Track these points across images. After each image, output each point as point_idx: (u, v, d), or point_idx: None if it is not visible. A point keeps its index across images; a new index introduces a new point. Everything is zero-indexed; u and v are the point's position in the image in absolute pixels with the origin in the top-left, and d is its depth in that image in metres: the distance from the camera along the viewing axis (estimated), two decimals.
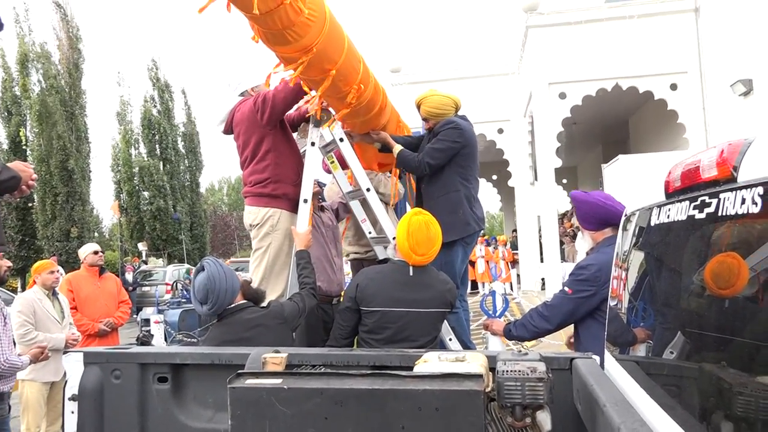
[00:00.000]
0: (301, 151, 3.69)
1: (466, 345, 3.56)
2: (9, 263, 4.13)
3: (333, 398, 1.49)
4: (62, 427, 2.38)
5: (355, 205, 3.81)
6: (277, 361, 1.93)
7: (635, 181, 8.15)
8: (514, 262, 15.64)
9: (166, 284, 17.53)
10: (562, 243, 11.96)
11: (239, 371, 1.64)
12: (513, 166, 14.68)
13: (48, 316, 4.60)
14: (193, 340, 7.22)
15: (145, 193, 28.28)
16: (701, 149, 1.44)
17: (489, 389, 1.66)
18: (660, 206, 1.61)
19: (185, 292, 11.27)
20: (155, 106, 30.14)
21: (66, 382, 2.37)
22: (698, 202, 1.32)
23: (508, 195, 19.61)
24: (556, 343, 6.59)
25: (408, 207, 4.46)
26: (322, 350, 2.53)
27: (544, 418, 1.61)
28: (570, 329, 3.08)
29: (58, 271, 4.86)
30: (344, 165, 3.74)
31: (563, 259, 11.76)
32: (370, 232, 3.75)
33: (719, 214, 1.21)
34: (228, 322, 2.68)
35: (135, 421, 2.31)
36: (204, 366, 2.31)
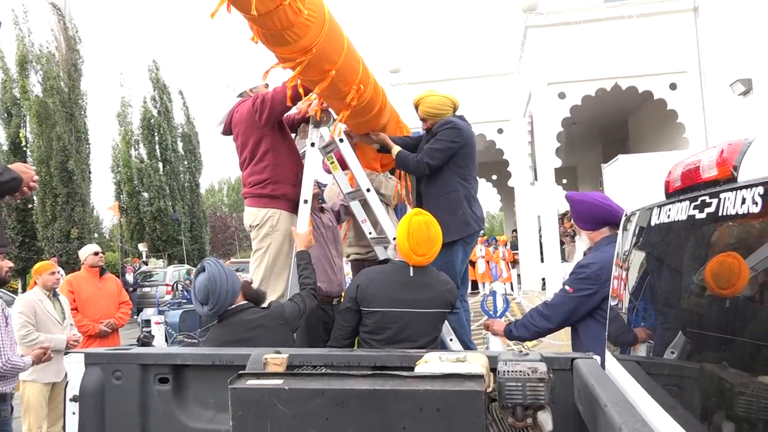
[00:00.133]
0: (301, 151, 3.70)
1: (467, 345, 3.57)
2: (10, 264, 4.13)
3: (334, 399, 1.49)
4: (63, 427, 2.38)
5: (356, 206, 3.81)
6: (278, 362, 1.93)
7: (635, 181, 8.15)
8: (515, 262, 15.64)
9: (167, 285, 17.53)
10: (562, 243, 11.95)
11: (240, 372, 1.65)
12: (513, 166, 14.68)
13: (49, 317, 4.60)
14: (193, 340, 7.22)
15: (145, 194, 28.26)
16: (701, 149, 1.44)
17: (490, 390, 1.66)
18: (660, 206, 1.61)
19: (186, 293, 11.27)
20: (155, 107, 30.13)
21: (67, 382, 2.37)
22: (698, 202, 1.32)
23: (508, 195, 19.61)
24: (557, 343, 6.59)
25: (408, 207, 4.46)
26: (322, 351, 2.53)
27: (545, 418, 1.61)
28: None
29: (58, 272, 4.86)
30: (344, 166, 3.74)
31: (563, 259, 11.75)
32: (370, 233, 3.75)
33: (719, 214, 1.21)
34: (229, 322, 2.68)
35: (136, 421, 2.32)
36: (205, 367, 2.31)
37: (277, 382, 1.56)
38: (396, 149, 3.67)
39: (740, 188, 1.15)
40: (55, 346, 4.41)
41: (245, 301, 2.76)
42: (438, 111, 3.69)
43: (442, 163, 3.56)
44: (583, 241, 3.04)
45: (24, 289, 19.04)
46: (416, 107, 3.77)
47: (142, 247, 27.07)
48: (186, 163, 31.50)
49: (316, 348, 3.24)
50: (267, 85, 3.55)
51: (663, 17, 10.91)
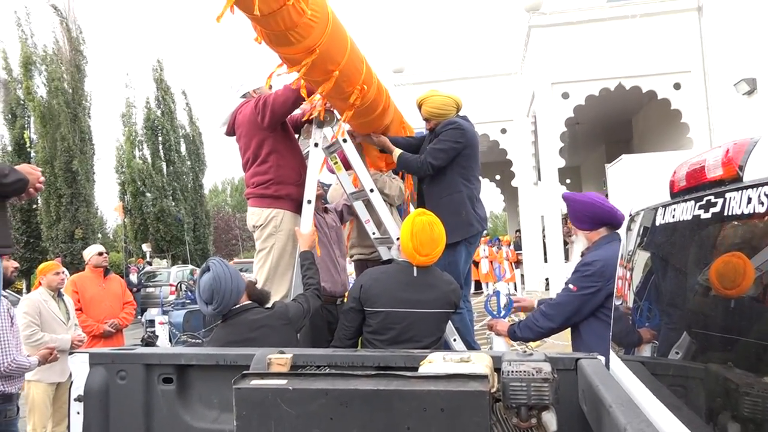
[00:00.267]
0: (305, 152, 3.70)
1: (471, 345, 3.56)
2: (16, 264, 4.15)
3: (338, 399, 1.49)
4: (68, 427, 2.39)
5: (359, 206, 3.82)
6: (282, 362, 1.93)
7: (639, 181, 8.13)
8: (518, 263, 15.62)
9: (171, 285, 17.56)
10: (565, 243, 11.91)
11: (244, 372, 1.65)
12: (516, 166, 14.66)
13: (53, 317, 4.62)
14: (197, 341, 7.23)
15: (148, 194, 28.33)
16: (705, 149, 1.43)
17: (494, 390, 1.66)
18: (665, 206, 1.60)
19: (189, 293, 11.28)
20: (159, 108, 30.20)
21: (72, 382, 2.38)
22: (704, 202, 1.32)
23: (511, 195, 19.58)
24: (561, 344, 6.58)
25: (411, 207, 4.46)
26: (326, 351, 2.53)
27: (549, 418, 1.60)
28: None
29: (63, 273, 4.88)
30: (348, 166, 3.75)
31: (567, 259, 11.73)
32: (374, 233, 3.75)
33: (725, 213, 1.21)
34: (233, 322, 2.68)
35: (140, 421, 2.32)
36: (209, 367, 2.31)
37: (281, 382, 1.56)
38: (397, 152, 3.66)
39: (746, 188, 1.14)
40: (60, 346, 4.43)
41: (249, 301, 2.76)
42: (441, 111, 3.69)
43: (445, 163, 3.55)
44: (580, 242, 3.07)
45: (28, 290, 19.10)
46: (419, 107, 3.77)
47: (146, 248, 27.15)
48: (189, 163, 31.57)
49: (320, 348, 3.24)
50: (271, 87, 3.55)
51: (666, 17, 10.88)
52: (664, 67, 10.79)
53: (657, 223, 1.67)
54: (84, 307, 5.27)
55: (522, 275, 15.37)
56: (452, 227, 3.26)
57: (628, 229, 2.13)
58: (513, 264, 15.34)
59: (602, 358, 2.01)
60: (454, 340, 3.41)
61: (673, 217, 1.52)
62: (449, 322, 3.19)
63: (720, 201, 1.23)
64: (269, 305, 2.89)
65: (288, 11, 2.36)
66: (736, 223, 1.18)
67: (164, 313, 9.15)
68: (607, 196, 13.23)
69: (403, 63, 15.07)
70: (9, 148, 23.11)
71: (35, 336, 4.41)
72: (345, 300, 3.68)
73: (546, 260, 13.22)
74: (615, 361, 2.02)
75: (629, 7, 10.99)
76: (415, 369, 1.79)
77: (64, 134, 21.73)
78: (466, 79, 14.37)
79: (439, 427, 1.44)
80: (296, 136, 3.81)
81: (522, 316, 4.25)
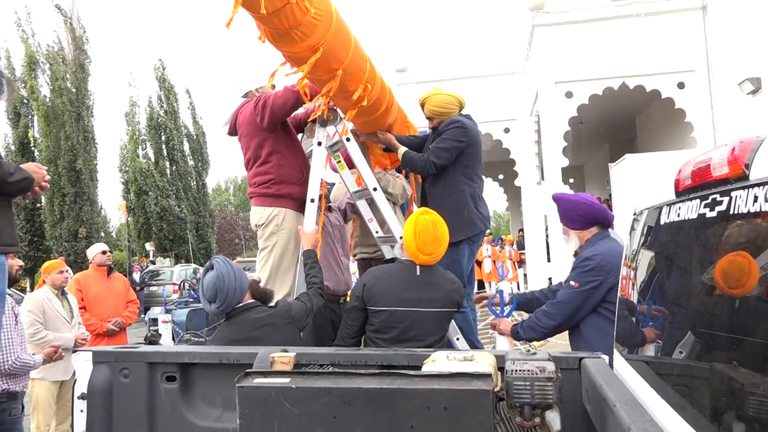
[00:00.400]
0: (308, 150, 3.70)
1: (474, 344, 3.56)
2: (20, 262, 4.16)
3: (341, 397, 1.49)
4: (71, 425, 2.39)
5: (362, 205, 3.81)
6: (285, 361, 1.93)
7: (642, 181, 8.11)
8: (521, 262, 15.60)
9: (174, 284, 17.60)
10: None
11: (247, 370, 1.65)
12: (519, 165, 14.64)
13: (57, 315, 4.63)
14: (200, 339, 7.24)
15: (151, 194, 28.39)
16: (709, 148, 1.43)
17: (498, 389, 1.65)
18: (670, 205, 1.60)
19: (192, 292, 11.31)
20: (162, 107, 30.24)
21: (75, 381, 2.38)
22: (709, 201, 1.31)
23: (514, 194, 19.55)
24: (564, 343, 6.56)
25: (415, 207, 4.45)
26: (329, 349, 2.53)
27: (553, 417, 1.60)
28: None
29: (67, 271, 4.89)
30: (351, 164, 3.74)
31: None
32: (377, 232, 3.74)
33: (731, 212, 1.20)
34: (236, 321, 2.68)
35: (143, 419, 2.32)
36: (212, 365, 2.31)
37: (285, 380, 1.56)
38: (402, 150, 3.66)
39: (752, 186, 1.14)
40: (64, 344, 4.44)
41: (253, 300, 2.76)
42: (444, 109, 3.69)
43: (448, 162, 3.55)
44: (572, 241, 3.12)
45: (32, 288, 19.15)
46: (422, 106, 3.76)
47: (149, 247, 27.20)
48: (192, 162, 31.61)
49: (323, 347, 3.24)
50: (273, 86, 3.55)
51: (671, 16, 10.84)
52: (668, 66, 10.76)
53: (661, 222, 1.67)
54: (87, 305, 5.29)
55: (525, 274, 15.35)
56: (455, 226, 3.25)
57: (632, 228, 2.12)
58: (516, 263, 15.33)
59: (606, 358, 2.00)
60: (458, 339, 3.40)
61: (678, 215, 1.51)
62: (452, 321, 3.18)
63: (726, 199, 1.23)
64: (272, 304, 2.89)
65: (292, 9, 2.37)
66: (742, 221, 1.17)
67: (167, 311, 9.18)
68: (610, 195, 13.21)
69: (406, 62, 15.06)
70: (12, 147, 23.19)
71: (39, 334, 4.42)
72: (348, 299, 3.68)
73: (549, 259, 13.20)
74: (619, 360, 2.01)
75: (633, 6, 10.96)
76: (419, 368, 1.79)
77: (68, 133, 21.80)
78: (470, 78, 14.35)
79: (442, 425, 1.44)
80: (300, 134, 3.81)
81: (525, 315, 4.24)
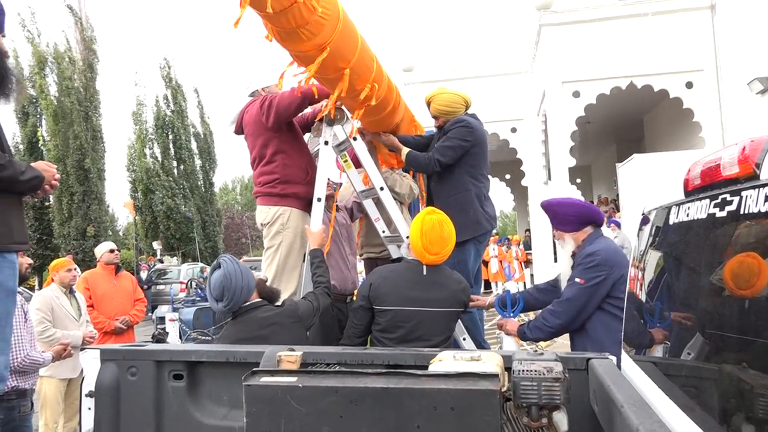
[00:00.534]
0: (314, 150, 3.70)
1: (481, 344, 3.55)
2: (30, 260, 4.19)
3: (348, 397, 1.49)
4: (79, 423, 2.41)
5: (369, 204, 3.81)
6: (291, 359, 1.93)
7: (650, 180, 8.07)
8: (528, 262, 15.56)
9: (181, 283, 17.68)
10: None
11: (254, 369, 1.65)
12: (526, 165, 14.60)
13: (65, 313, 4.66)
14: (207, 338, 7.26)
15: (158, 193, 28.49)
16: (717, 148, 1.42)
17: (505, 389, 1.65)
18: (679, 205, 1.59)
19: (200, 291, 11.33)
20: (168, 106, 30.34)
21: (83, 378, 2.39)
22: (719, 200, 1.30)
23: (521, 194, 19.52)
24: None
25: (421, 206, 4.45)
26: (336, 349, 2.53)
27: (560, 418, 1.59)
28: None
29: (75, 270, 4.92)
30: (358, 164, 3.74)
31: None
32: (383, 231, 3.74)
33: (741, 212, 1.19)
34: (243, 320, 2.69)
35: (150, 417, 2.33)
36: (219, 364, 2.32)
37: (291, 379, 1.56)
38: (405, 151, 3.65)
39: (763, 186, 1.13)
40: (72, 342, 4.46)
41: (260, 299, 2.77)
42: (450, 108, 3.68)
43: (453, 161, 3.54)
44: (568, 244, 3.12)
45: (41, 286, 19.27)
46: (428, 105, 3.76)
47: (156, 245, 27.30)
48: (200, 161, 31.70)
49: (329, 346, 3.24)
50: (281, 85, 3.55)
51: (679, 15, 10.78)
52: (676, 65, 10.70)
53: (670, 222, 1.66)
54: (95, 303, 5.32)
55: (531, 275, 15.31)
56: (461, 226, 3.25)
57: (640, 228, 2.11)
58: (522, 263, 15.29)
59: (613, 358, 1.99)
60: (464, 339, 3.40)
61: (687, 215, 1.50)
62: (459, 321, 3.17)
63: (736, 199, 1.22)
64: (279, 303, 2.90)
65: (299, 8, 2.37)
66: (752, 221, 1.16)
67: (174, 310, 9.20)
68: (618, 195, 13.14)
69: (413, 62, 15.07)
70: (21, 146, 23.33)
71: (48, 332, 4.45)
72: (355, 298, 3.68)
73: (556, 260, 13.15)
74: (627, 361, 2.00)
75: (641, 5, 10.91)
76: (425, 367, 1.78)
77: (76, 132, 21.90)
78: (476, 78, 14.34)
79: (449, 425, 1.44)
80: (306, 134, 3.81)
81: (532, 315, 4.23)
